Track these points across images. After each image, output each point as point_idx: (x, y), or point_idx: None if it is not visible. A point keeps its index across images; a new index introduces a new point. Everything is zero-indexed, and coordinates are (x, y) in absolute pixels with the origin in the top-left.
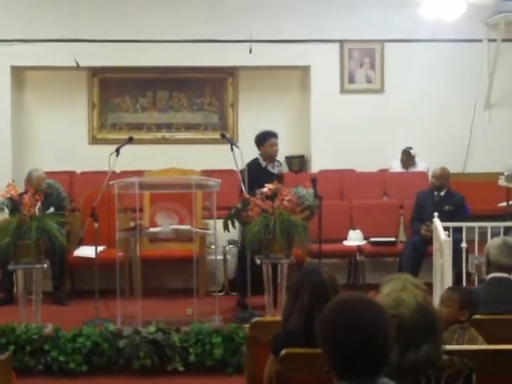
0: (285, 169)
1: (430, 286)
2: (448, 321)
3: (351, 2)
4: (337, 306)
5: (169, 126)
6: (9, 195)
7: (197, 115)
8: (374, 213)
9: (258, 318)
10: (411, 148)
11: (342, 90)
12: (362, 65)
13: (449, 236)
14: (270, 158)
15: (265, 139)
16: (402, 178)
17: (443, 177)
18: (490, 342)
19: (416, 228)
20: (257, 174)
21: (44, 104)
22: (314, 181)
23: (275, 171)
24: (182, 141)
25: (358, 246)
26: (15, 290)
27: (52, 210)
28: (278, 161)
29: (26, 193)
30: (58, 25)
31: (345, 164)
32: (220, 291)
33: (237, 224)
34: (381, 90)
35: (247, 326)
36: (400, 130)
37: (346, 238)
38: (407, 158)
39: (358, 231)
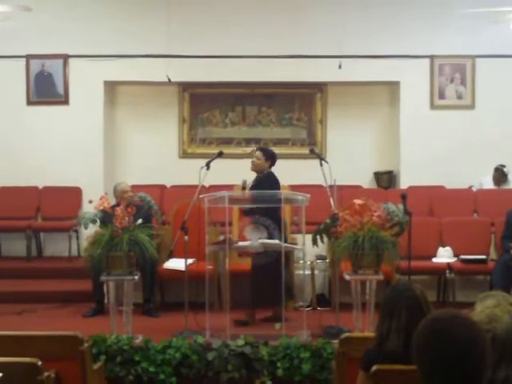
0: (372, 185)
1: None
2: None
3: (442, 18)
4: (433, 323)
5: (257, 141)
6: (102, 207)
7: (285, 130)
8: (464, 230)
9: (347, 334)
10: (504, 166)
11: (432, 106)
12: (453, 80)
13: None
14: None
15: None
16: (493, 195)
17: None
18: None
19: (506, 246)
20: None
21: (135, 118)
22: (404, 197)
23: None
24: None
25: (448, 264)
26: (106, 300)
27: (140, 221)
28: (266, 171)
29: (118, 205)
30: (151, 41)
31: (434, 180)
32: (308, 306)
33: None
34: (471, 106)
35: (335, 341)
36: (491, 147)
37: (435, 255)
38: (499, 176)
39: (448, 248)
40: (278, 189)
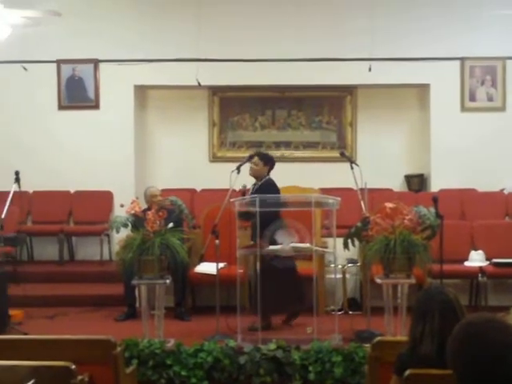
0: (403, 188)
1: None
2: None
3: (472, 20)
4: (467, 327)
5: (287, 145)
6: (133, 211)
7: (315, 133)
8: (496, 233)
9: (379, 338)
10: None
11: (463, 108)
12: (484, 82)
13: None
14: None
15: None
16: None
17: None
18: None
19: None
20: None
21: (166, 122)
22: (435, 200)
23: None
24: (300, 159)
25: (480, 267)
26: (138, 304)
27: (171, 225)
28: (265, 178)
29: (149, 209)
30: (180, 44)
31: (466, 183)
32: (339, 310)
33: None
34: (502, 108)
35: (367, 345)
36: None
37: (467, 259)
38: None
39: (480, 252)
40: None
